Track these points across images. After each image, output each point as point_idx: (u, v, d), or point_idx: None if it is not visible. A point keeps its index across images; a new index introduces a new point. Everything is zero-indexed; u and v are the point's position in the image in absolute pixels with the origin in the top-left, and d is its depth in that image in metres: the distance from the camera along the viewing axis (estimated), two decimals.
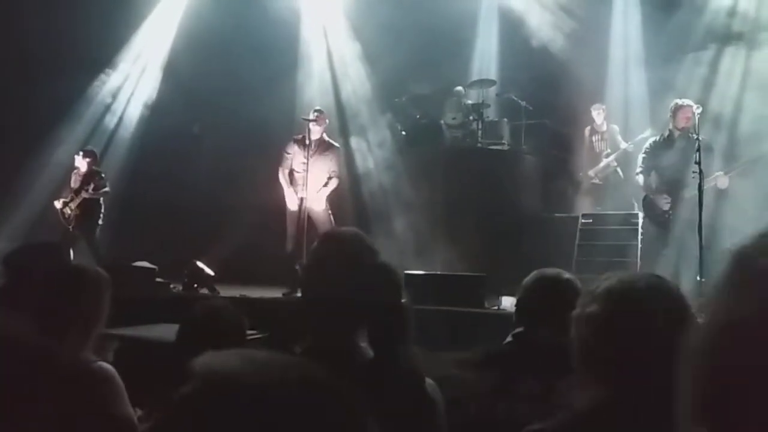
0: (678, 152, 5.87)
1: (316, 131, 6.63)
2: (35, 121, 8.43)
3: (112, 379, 1.97)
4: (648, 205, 6.16)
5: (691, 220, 5.45)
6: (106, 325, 2.11)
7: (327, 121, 6.88)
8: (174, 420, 0.59)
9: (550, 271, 2.18)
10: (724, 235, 5.58)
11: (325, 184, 6.64)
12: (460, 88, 8.40)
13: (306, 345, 1.56)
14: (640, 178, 6.18)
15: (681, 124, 5.86)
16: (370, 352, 1.52)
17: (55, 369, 1.79)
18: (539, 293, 2.10)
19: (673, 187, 5.93)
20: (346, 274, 1.54)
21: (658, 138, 6.18)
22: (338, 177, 6.78)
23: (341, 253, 1.60)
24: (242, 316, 2.15)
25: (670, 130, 6.03)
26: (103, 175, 7.57)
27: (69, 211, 7.43)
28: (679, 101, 5.98)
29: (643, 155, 6.19)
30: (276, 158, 6.82)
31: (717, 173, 5.86)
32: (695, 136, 5.52)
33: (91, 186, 7.37)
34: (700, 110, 5.73)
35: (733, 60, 7.25)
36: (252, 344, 1.47)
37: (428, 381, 1.57)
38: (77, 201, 7.40)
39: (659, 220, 6.03)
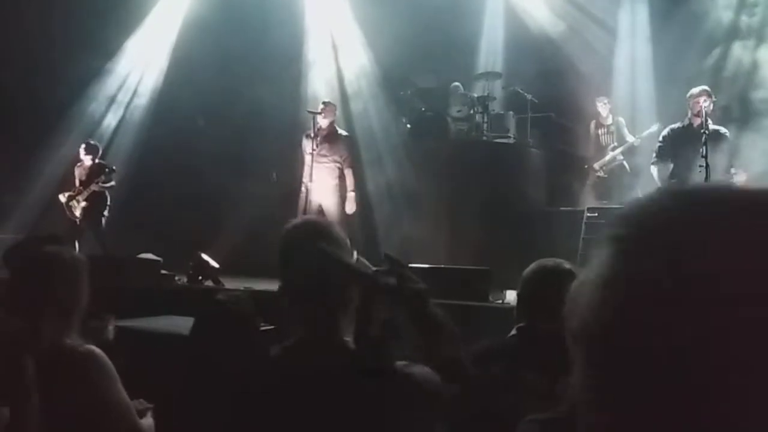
0: (693, 142, 5.67)
1: (324, 122, 6.64)
2: (40, 113, 8.43)
3: (100, 362, 1.92)
4: None
5: None
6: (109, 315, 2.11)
7: (336, 112, 6.90)
8: None
9: (550, 261, 2.13)
10: None
11: (340, 176, 6.67)
12: (457, 84, 8.33)
13: (296, 337, 1.54)
14: (654, 169, 6.06)
15: (696, 109, 5.70)
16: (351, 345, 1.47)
17: (33, 352, 1.80)
18: (539, 285, 2.06)
19: (685, 178, 5.82)
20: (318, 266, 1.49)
21: (675, 126, 6.02)
22: (352, 165, 6.83)
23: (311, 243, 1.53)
24: (256, 308, 2.15)
25: (689, 119, 5.87)
26: (114, 168, 7.61)
27: (77, 204, 7.45)
28: (695, 89, 5.83)
29: (660, 144, 6.05)
30: (284, 149, 6.87)
31: (732, 170, 5.73)
32: (703, 129, 5.48)
33: (102, 178, 7.41)
34: (707, 102, 5.68)
35: (741, 52, 7.20)
36: (264, 335, 1.47)
37: (415, 370, 1.46)
38: (86, 194, 7.43)
39: None
